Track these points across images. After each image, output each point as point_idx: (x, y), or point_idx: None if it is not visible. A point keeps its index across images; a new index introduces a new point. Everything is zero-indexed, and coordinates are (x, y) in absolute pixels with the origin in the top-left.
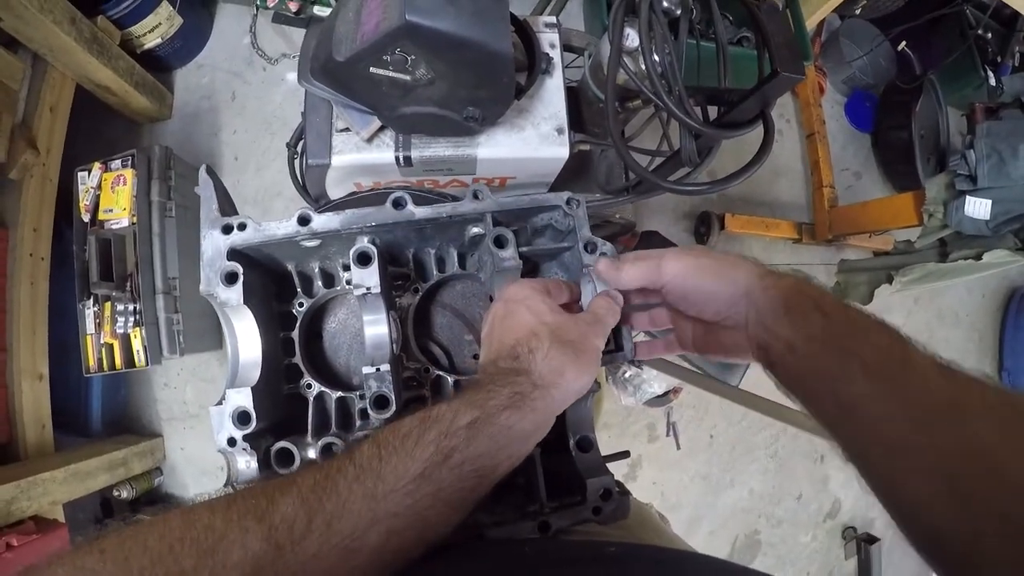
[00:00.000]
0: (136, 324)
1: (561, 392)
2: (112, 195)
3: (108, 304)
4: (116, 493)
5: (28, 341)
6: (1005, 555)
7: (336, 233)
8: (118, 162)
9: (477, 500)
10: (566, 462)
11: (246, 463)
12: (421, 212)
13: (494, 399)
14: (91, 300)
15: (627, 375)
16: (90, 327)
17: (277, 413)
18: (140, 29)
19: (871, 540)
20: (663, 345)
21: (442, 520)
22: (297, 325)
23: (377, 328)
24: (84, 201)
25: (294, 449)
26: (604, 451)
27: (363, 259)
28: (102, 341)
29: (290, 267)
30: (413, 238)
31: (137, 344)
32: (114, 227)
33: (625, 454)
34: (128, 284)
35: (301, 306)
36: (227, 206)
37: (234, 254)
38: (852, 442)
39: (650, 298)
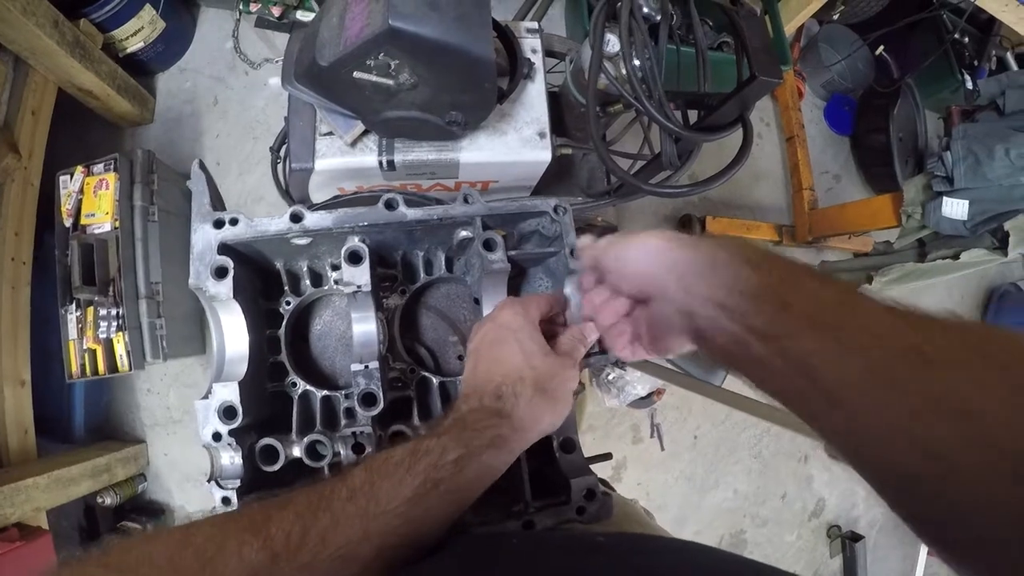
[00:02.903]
0: (119, 329)
1: (535, 435)
2: (94, 199)
3: (91, 309)
4: (100, 500)
5: (10, 347)
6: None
7: (327, 231)
8: (100, 166)
9: (455, 520)
10: (550, 463)
11: (230, 459)
12: (413, 213)
13: (478, 440)
14: (73, 305)
15: (611, 377)
16: (72, 332)
17: (262, 410)
18: (123, 33)
19: (856, 538)
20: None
21: (426, 537)
22: (284, 323)
23: (366, 325)
24: (66, 205)
25: (279, 446)
26: (588, 453)
27: (354, 258)
28: (85, 346)
29: (278, 265)
30: (402, 240)
31: (120, 349)
32: (96, 231)
33: (607, 456)
34: (111, 289)
35: (288, 304)
36: (218, 202)
37: (224, 249)
38: (808, 408)
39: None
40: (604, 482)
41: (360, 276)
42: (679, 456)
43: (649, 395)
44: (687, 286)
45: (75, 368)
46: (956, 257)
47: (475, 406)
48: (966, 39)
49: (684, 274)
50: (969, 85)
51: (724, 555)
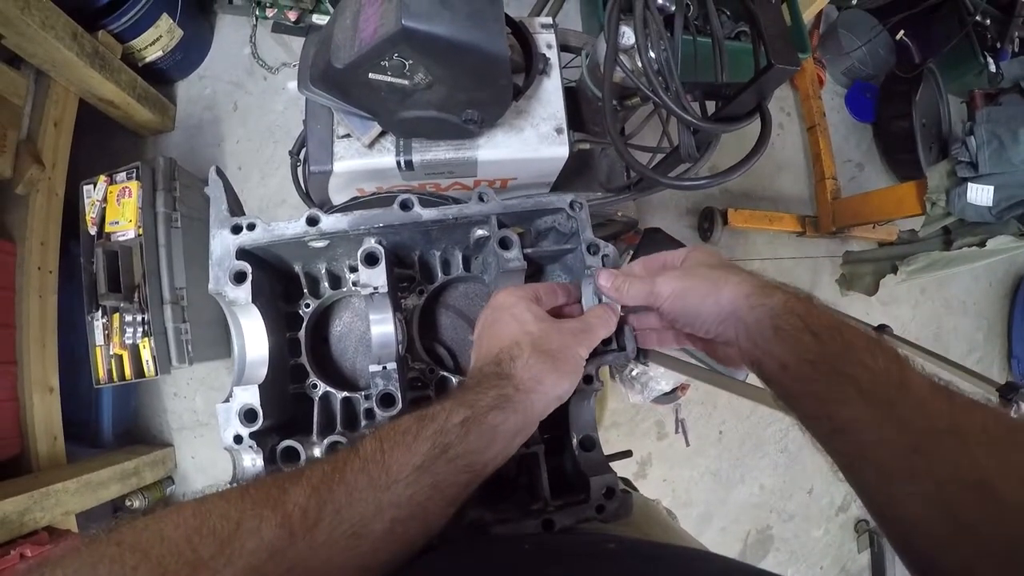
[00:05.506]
0: (145, 334)
1: (540, 397)
2: (118, 207)
3: (116, 315)
4: (128, 503)
5: (38, 354)
6: None
7: (344, 234)
8: (123, 174)
9: (469, 494)
10: (570, 461)
11: (252, 461)
12: (428, 213)
13: (482, 400)
14: (100, 312)
15: (634, 373)
16: (99, 339)
17: (283, 412)
18: (141, 42)
19: None
20: (671, 336)
21: (439, 512)
22: (303, 326)
23: (384, 327)
24: (90, 214)
25: (300, 447)
26: (613, 450)
27: (371, 259)
28: (111, 352)
29: (297, 268)
30: (419, 240)
31: (146, 354)
32: (120, 239)
33: (628, 453)
34: (136, 295)
35: (307, 307)
36: (236, 207)
37: (243, 254)
38: (847, 464)
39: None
40: (626, 481)
41: (377, 277)
42: (704, 452)
43: (673, 391)
44: (754, 341)
45: (102, 374)
46: (982, 244)
47: (477, 375)
48: (988, 21)
49: (752, 332)
50: (992, 68)
51: (736, 565)
